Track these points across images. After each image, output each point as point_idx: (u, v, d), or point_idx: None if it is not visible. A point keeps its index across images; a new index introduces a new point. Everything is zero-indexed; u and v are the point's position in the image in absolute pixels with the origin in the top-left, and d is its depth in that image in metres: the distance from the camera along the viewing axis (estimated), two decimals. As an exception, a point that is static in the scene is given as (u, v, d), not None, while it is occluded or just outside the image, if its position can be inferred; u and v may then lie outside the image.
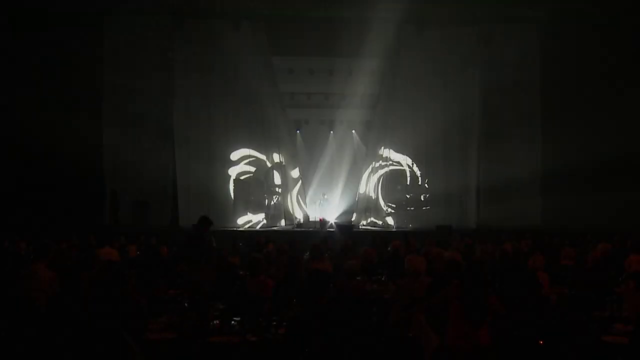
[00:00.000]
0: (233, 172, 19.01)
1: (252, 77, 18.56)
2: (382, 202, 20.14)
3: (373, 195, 20.24)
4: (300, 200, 19.98)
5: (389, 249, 9.71)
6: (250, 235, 14.77)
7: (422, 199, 19.95)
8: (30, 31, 16.03)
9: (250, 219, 18.96)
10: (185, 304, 5.22)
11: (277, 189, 19.53)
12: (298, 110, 21.06)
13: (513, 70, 19.24)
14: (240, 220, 18.77)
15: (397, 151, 20.16)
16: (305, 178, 20.84)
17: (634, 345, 4.13)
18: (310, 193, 20.74)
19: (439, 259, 7.25)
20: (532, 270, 7.33)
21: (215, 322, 5.19)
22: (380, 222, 19.79)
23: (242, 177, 19.15)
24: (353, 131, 21.37)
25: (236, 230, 17.64)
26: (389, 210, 19.97)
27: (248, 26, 18.63)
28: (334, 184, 21.09)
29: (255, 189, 19.29)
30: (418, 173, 19.95)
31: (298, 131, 21.16)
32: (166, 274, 7.60)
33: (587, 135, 17.34)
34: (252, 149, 19.30)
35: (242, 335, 4.94)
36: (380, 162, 20.22)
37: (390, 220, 19.76)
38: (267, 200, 19.46)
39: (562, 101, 18.29)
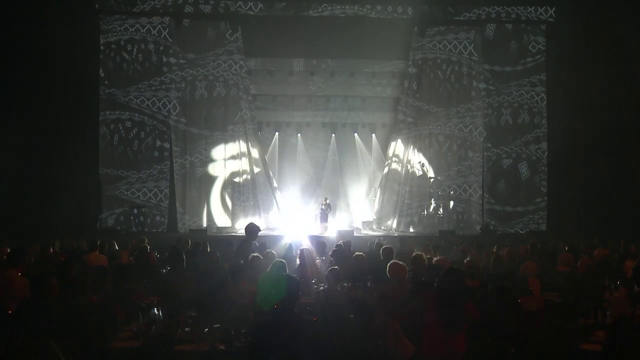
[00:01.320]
0: (220, 172, 18.80)
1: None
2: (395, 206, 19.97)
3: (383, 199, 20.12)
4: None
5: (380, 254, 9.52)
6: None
7: (433, 203, 19.76)
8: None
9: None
10: (156, 311, 5.09)
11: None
12: (298, 112, 20.93)
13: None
14: (239, 225, 18.67)
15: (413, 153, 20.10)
16: (305, 182, 20.74)
17: (606, 352, 3.97)
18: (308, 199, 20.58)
19: (421, 264, 7.09)
20: (523, 276, 7.16)
21: (186, 329, 5.07)
22: (382, 227, 19.55)
23: (235, 180, 19.00)
24: (355, 134, 21.18)
25: (234, 235, 17.46)
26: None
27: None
28: (339, 189, 20.92)
29: (249, 191, 19.12)
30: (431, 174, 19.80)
31: (299, 134, 21.02)
32: (151, 281, 7.48)
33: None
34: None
35: (210, 344, 4.81)
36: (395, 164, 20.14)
37: (395, 225, 19.54)
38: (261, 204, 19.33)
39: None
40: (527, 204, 18.91)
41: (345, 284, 7.66)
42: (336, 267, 6.83)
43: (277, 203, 19.38)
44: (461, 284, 5.12)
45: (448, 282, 5.10)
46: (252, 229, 8.99)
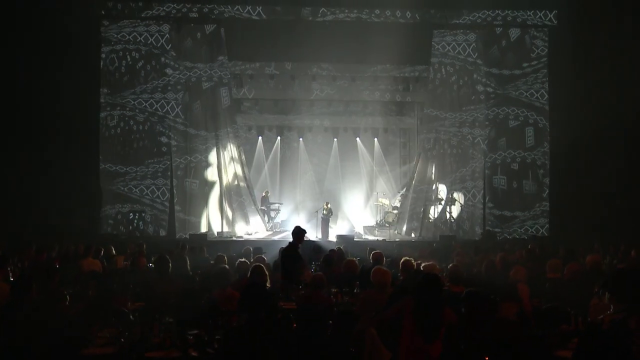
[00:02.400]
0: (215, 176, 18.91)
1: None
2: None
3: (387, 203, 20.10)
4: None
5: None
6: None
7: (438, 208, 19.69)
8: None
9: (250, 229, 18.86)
10: (132, 317, 5.08)
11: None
12: (300, 117, 20.96)
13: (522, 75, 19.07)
14: (240, 230, 18.68)
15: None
16: (307, 186, 20.76)
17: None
18: (307, 203, 20.57)
19: (409, 270, 7.05)
20: (513, 282, 7.09)
21: (160, 335, 5.05)
22: (397, 232, 19.38)
23: (235, 183, 19.04)
24: (357, 138, 21.18)
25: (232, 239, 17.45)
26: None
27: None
28: (341, 193, 20.91)
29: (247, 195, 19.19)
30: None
31: (301, 139, 21.04)
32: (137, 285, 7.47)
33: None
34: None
35: (182, 350, 4.79)
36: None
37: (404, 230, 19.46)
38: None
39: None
40: (530, 208, 18.69)
41: (333, 290, 7.66)
42: (320, 273, 6.79)
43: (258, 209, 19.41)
44: (438, 290, 5.06)
45: (424, 289, 5.05)
46: (298, 232, 8.95)
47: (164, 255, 6.95)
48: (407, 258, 7.97)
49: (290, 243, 8.94)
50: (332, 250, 10.75)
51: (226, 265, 7.53)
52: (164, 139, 18.16)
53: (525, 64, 19.03)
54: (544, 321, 5.76)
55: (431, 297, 4.98)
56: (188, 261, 8.43)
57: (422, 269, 7.50)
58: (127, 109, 18.09)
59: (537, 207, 18.81)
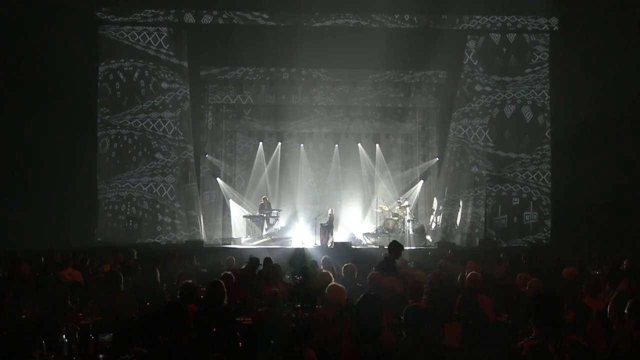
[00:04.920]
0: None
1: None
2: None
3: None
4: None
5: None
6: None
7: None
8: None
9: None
10: (64, 337, 5.00)
11: None
12: (300, 122, 20.91)
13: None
14: (237, 237, 18.68)
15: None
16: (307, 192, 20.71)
17: None
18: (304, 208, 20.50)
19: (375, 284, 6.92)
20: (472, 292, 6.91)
21: (100, 356, 4.99)
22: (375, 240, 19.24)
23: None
24: (359, 144, 21.07)
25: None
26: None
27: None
28: (342, 199, 20.80)
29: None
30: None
31: (302, 145, 21.00)
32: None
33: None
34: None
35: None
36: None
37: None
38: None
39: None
40: (530, 217, 18.48)
41: (297, 305, 7.53)
42: (274, 289, 6.68)
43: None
44: (375, 310, 4.92)
45: (363, 309, 4.93)
46: (395, 247, 8.92)
47: (114, 270, 6.90)
48: (374, 272, 7.82)
49: (385, 257, 8.88)
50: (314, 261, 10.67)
51: (190, 281, 7.46)
52: (161, 149, 18.27)
53: (525, 71, 18.83)
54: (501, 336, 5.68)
55: (369, 317, 4.86)
56: (158, 273, 8.33)
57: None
58: (125, 128, 18.28)
59: (538, 216, 18.62)
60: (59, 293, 6.47)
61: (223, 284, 6.84)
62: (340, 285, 6.38)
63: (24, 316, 6.28)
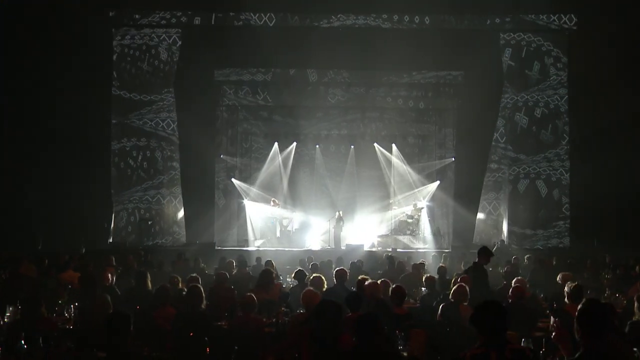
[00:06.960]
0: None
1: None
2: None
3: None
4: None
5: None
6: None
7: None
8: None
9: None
10: (23, 343, 5.00)
11: None
12: (316, 124, 20.85)
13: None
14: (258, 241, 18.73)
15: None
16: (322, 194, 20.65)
17: None
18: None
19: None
20: (456, 302, 6.75)
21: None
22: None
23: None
24: (375, 144, 20.90)
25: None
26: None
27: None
28: (357, 201, 20.65)
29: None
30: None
31: (317, 146, 20.93)
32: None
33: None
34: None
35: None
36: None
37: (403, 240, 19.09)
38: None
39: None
40: (548, 221, 18.10)
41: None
42: (250, 294, 6.62)
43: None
44: (334, 315, 4.80)
45: (320, 314, 4.83)
46: (485, 252, 8.88)
47: (89, 275, 6.90)
48: (364, 277, 7.72)
49: (474, 262, 8.86)
50: (313, 265, 10.65)
51: (168, 284, 7.45)
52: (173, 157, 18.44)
53: (543, 77, 18.43)
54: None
55: (327, 323, 4.76)
56: (149, 277, 8.35)
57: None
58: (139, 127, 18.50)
59: (556, 219, 18.20)
60: (31, 297, 6.44)
61: (201, 288, 6.83)
62: (315, 291, 6.31)
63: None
